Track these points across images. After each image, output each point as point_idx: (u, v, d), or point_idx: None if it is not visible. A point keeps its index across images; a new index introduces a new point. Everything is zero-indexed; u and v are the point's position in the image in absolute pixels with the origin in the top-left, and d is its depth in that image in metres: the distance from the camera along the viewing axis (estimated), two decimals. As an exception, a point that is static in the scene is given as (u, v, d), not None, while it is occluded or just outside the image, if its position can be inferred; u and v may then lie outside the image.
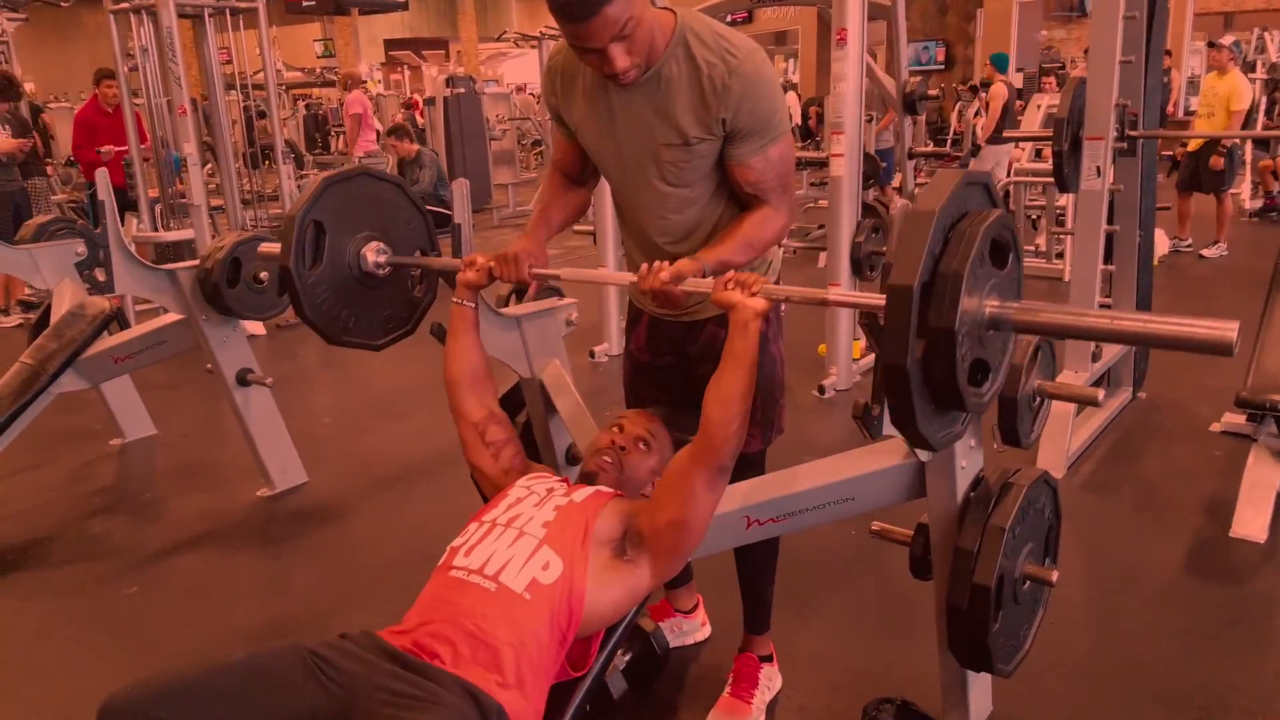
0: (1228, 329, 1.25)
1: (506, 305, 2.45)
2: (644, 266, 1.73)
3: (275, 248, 2.12)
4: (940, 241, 1.34)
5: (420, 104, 15.60)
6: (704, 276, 1.73)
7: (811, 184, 8.53)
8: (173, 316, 3.32)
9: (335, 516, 3.31)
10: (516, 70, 26.71)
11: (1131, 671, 2.32)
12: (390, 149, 7.52)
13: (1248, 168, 8.46)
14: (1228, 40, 7.51)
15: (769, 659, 2.26)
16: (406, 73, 24.27)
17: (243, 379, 3.31)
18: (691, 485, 1.66)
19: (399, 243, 2.20)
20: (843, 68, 3.81)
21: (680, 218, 1.88)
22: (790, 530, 1.96)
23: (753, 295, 1.61)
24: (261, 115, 7.44)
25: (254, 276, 3.16)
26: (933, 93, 7.34)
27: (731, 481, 1.79)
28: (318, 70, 19.37)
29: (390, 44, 25.03)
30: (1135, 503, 3.25)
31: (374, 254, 2.13)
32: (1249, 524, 2.94)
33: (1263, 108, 8.61)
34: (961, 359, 1.35)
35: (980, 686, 2.07)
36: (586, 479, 1.88)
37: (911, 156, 4.32)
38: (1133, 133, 3.36)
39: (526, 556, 1.60)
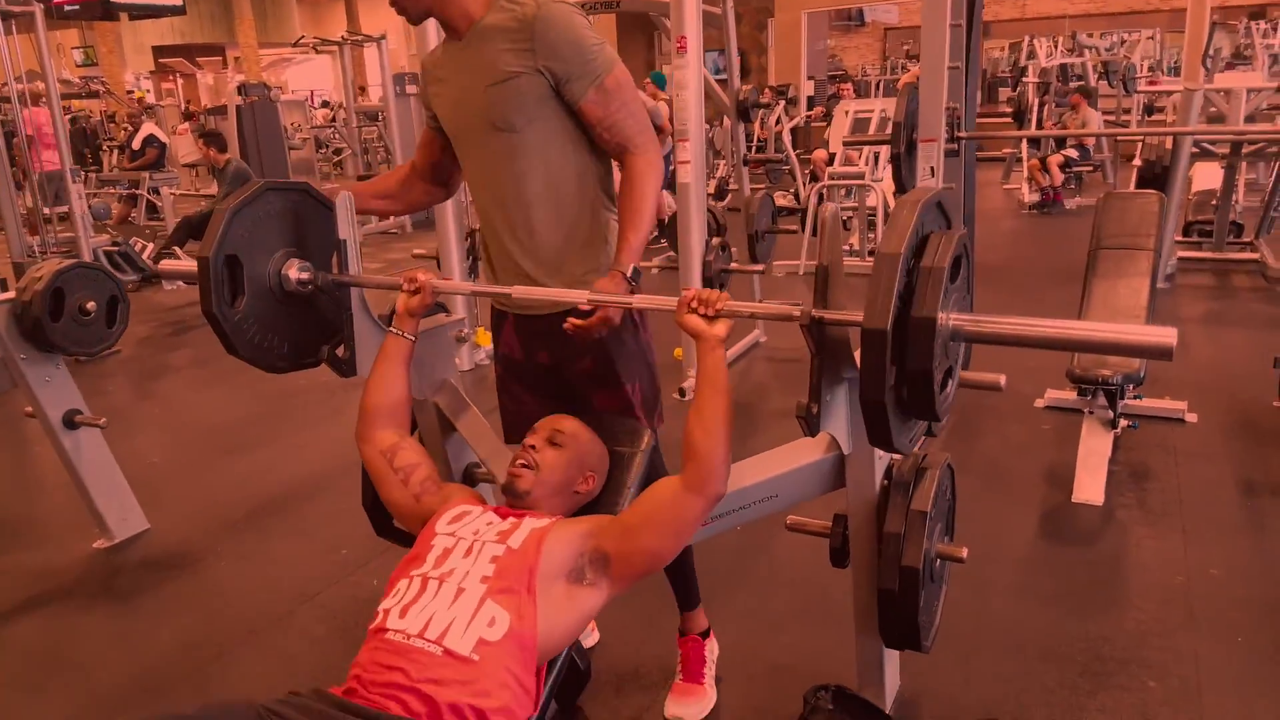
0: (1167, 335, 1.36)
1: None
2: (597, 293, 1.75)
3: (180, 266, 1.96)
4: (906, 280, 1.40)
5: (199, 115, 14.71)
6: (629, 281, 1.81)
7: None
8: (-22, 357, 2.97)
9: (190, 563, 3.06)
10: (302, 76, 25.65)
11: (1014, 635, 2.48)
12: (205, 155, 7.02)
13: (1024, 165, 9.25)
14: None
15: (707, 633, 2.30)
16: (179, 81, 22.82)
17: (71, 421, 3.00)
18: (685, 516, 1.64)
19: (313, 249, 2.06)
20: (684, 75, 3.87)
21: (509, 171, 1.91)
22: (717, 532, 1.97)
23: (715, 316, 1.63)
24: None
25: (79, 308, 2.87)
26: (765, 99, 7.56)
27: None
28: (76, 80, 17.84)
29: (160, 50, 23.40)
30: (984, 477, 3.48)
31: (296, 272, 1.99)
32: (1088, 489, 3.21)
33: (1034, 109, 9.45)
34: (937, 382, 1.41)
35: (892, 664, 2.17)
36: (507, 492, 1.81)
37: (746, 163, 4.47)
38: (960, 134, 3.60)
39: (470, 615, 1.52)
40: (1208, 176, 6.85)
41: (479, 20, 1.88)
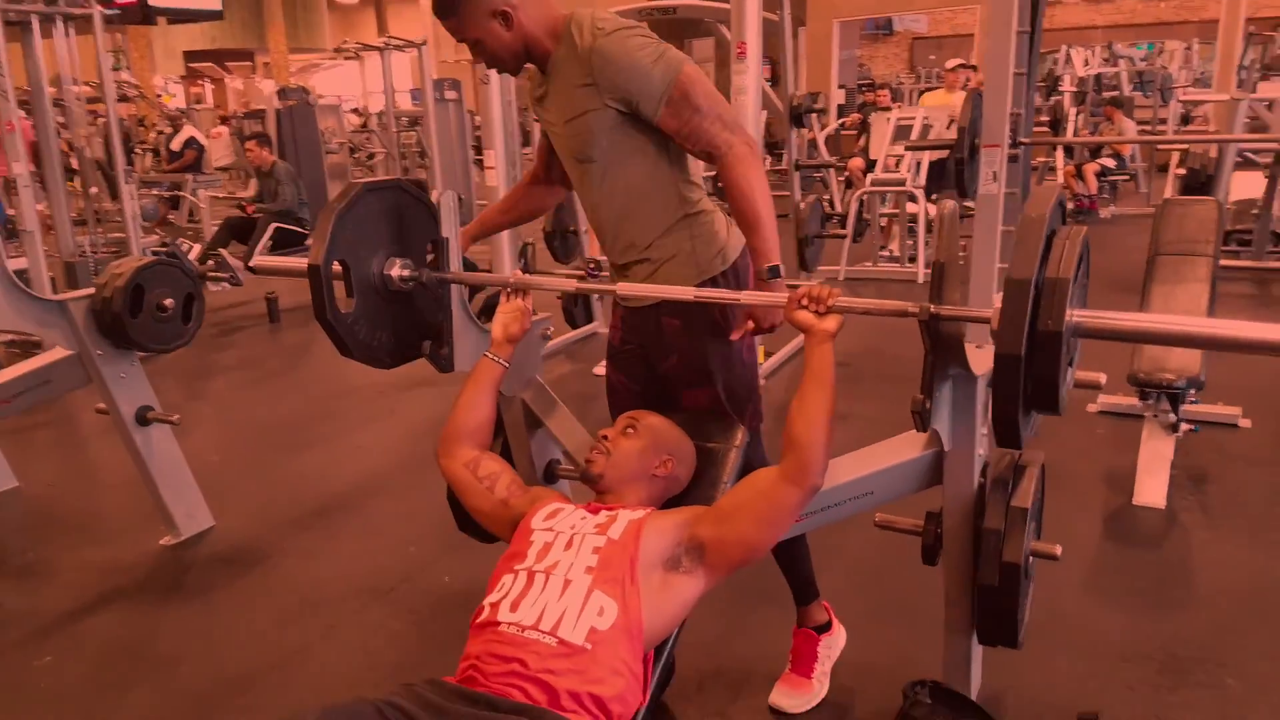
0: None
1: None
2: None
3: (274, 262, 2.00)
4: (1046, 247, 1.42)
5: (233, 119, 14.84)
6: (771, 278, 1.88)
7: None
8: (57, 353, 3.01)
9: (258, 560, 3.09)
10: (329, 82, 25.81)
11: (1089, 634, 2.48)
12: (247, 155, 7.10)
13: (1058, 172, 9.22)
14: (952, 64, 8.18)
15: (827, 627, 2.31)
16: (208, 86, 23.01)
17: (143, 417, 3.04)
18: (781, 507, 1.67)
19: (412, 244, 2.09)
20: (743, 80, 3.90)
21: (599, 192, 2.00)
22: (813, 527, 1.99)
23: (826, 312, 1.67)
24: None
25: (157, 304, 2.91)
26: (819, 107, 7.54)
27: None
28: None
29: (191, 55, 23.61)
30: (1047, 483, 3.47)
31: (399, 270, 2.03)
32: (1150, 493, 3.21)
33: (1072, 118, 9.43)
34: (1064, 361, 1.42)
35: (977, 662, 2.17)
36: (585, 479, 1.87)
37: (798, 168, 4.49)
38: (1022, 140, 3.61)
39: (580, 605, 1.55)
40: (1247, 185, 6.82)
41: (553, 54, 1.93)
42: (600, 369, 4.91)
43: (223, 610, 2.80)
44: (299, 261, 2.13)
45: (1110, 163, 9.09)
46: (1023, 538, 1.82)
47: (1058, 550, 1.92)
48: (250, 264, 2.30)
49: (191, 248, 6.81)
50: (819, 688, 2.24)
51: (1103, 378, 1.85)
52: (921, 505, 1.97)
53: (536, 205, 2.35)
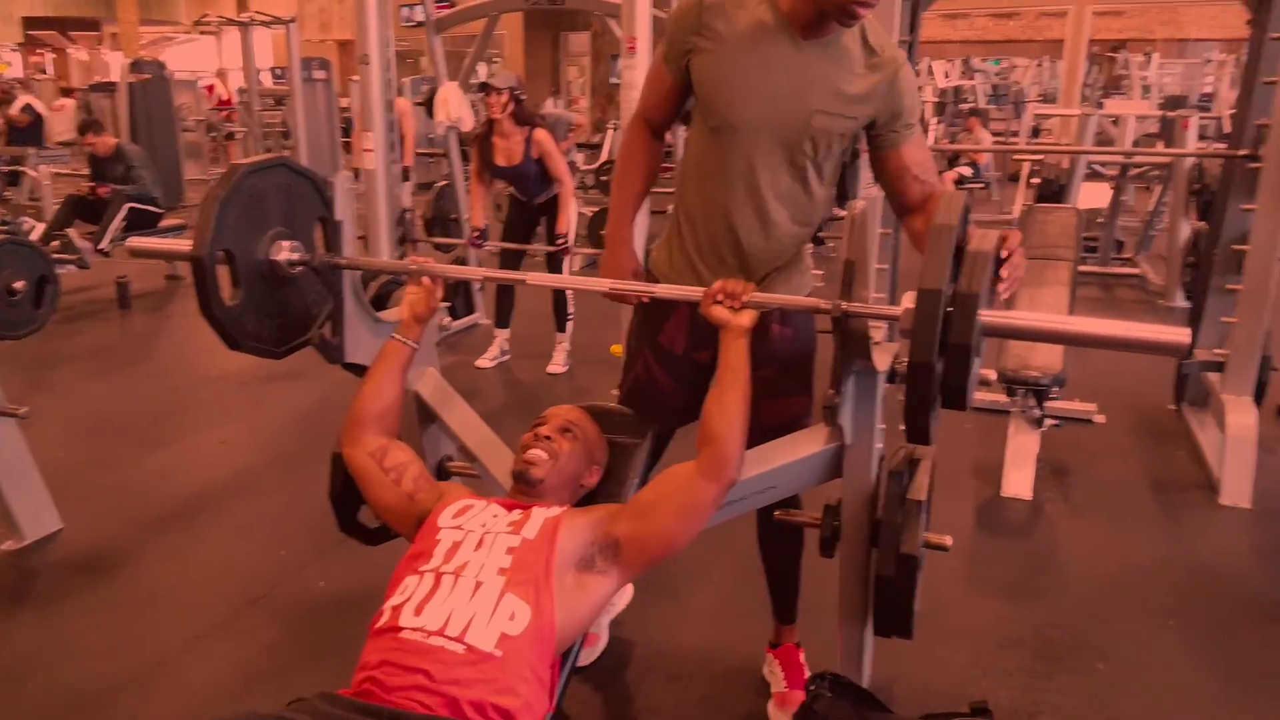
0: (1182, 334, 1.46)
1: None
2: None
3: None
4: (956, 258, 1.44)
5: (78, 91, 13.91)
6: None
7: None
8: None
9: (114, 565, 2.86)
10: (182, 57, 24.52)
11: (968, 622, 2.58)
12: (85, 147, 6.59)
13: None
14: None
15: (800, 645, 2.32)
16: (49, 56, 21.52)
17: (-12, 411, 2.79)
18: (700, 501, 1.65)
19: (299, 225, 1.96)
20: (633, 75, 3.87)
21: (786, 192, 1.83)
22: (714, 523, 1.97)
23: (740, 307, 1.65)
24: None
25: (6, 288, 2.68)
26: None
27: None
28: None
29: (30, 21, 21.97)
30: (921, 475, 3.58)
31: (287, 253, 1.90)
32: (1017, 484, 3.37)
33: (933, 128, 9.82)
34: (973, 364, 1.45)
35: (869, 653, 2.21)
36: (518, 479, 1.77)
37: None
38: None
39: (491, 609, 1.48)
40: (1094, 196, 7.25)
41: (836, 33, 1.72)
42: (486, 361, 4.84)
43: (74, 620, 2.59)
44: (182, 244, 1.98)
45: (967, 171, 9.51)
46: (919, 530, 1.86)
47: (949, 541, 1.96)
48: (129, 246, 2.11)
49: (34, 227, 6.33)
50: None
51: (992, 374, 1.93)
52: (816, 500, 1.99)
53: (659, 164, 2.07)
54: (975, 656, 2.43)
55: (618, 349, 4.42)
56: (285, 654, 2.44)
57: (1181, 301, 6.01)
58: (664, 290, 1.82)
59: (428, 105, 5.79)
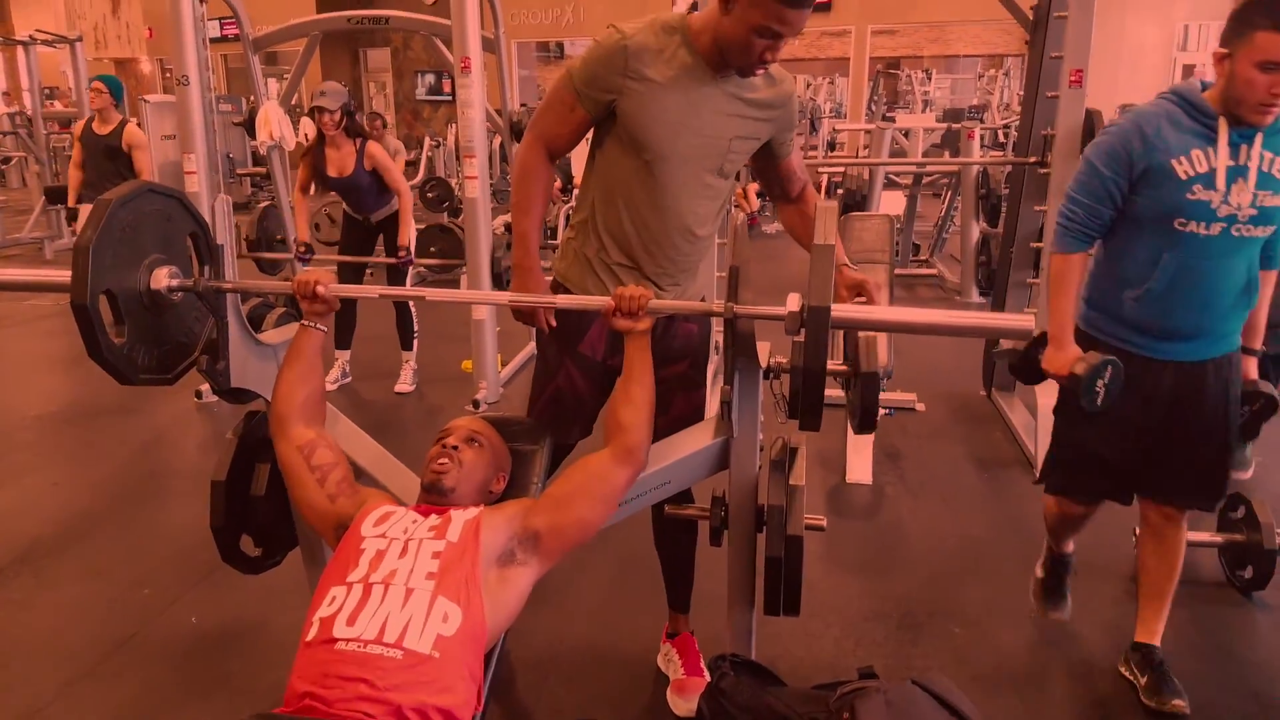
0: (1027, 320, 1.69)
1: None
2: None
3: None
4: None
5: None
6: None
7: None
8: None
9: (-45, 618, 2.67)
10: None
11: (834, 599, 2.79)
12: None
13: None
14: None
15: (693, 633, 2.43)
16: None
17: None
18: (614, 486, 1.78)
19: (171, 246, 1.91)
20: (468, 94, 3.94)
21: (706, 209, 2.04)
22: (619, 519, 2.08)
23: (637, 315, 1.79)
24: None
25: None
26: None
27: None
28: None
29: None
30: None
31: (167, 279, 1.85)
32: (859, 470, 3.65)
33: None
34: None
35: (754, 634, 2.37)
36: (429, 489, 1.81)
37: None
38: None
39: (425, 614, 1.53)
40: (891, 204, 7.83)
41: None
42: (328, 384, 4.71)
43: (-80, 682, 2.40)
44: (53, 274, 1.89)
45: (768, 184, 10.02)
46: (801, 512, 2.03)
47: (824, 521, 2.15)
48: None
49: None
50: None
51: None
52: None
53: (552, 187, 2.24)
54: (845, 630, 2.64)
55: (468, 365, 4.46)
56: (167, 692, 2.36)
57: (977, 297, 6.61)
58: (566, 301, 1.91)
59: (248, 125, 5.60)
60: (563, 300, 1.89)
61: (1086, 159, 2.22)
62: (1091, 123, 3.56)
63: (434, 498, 1.80)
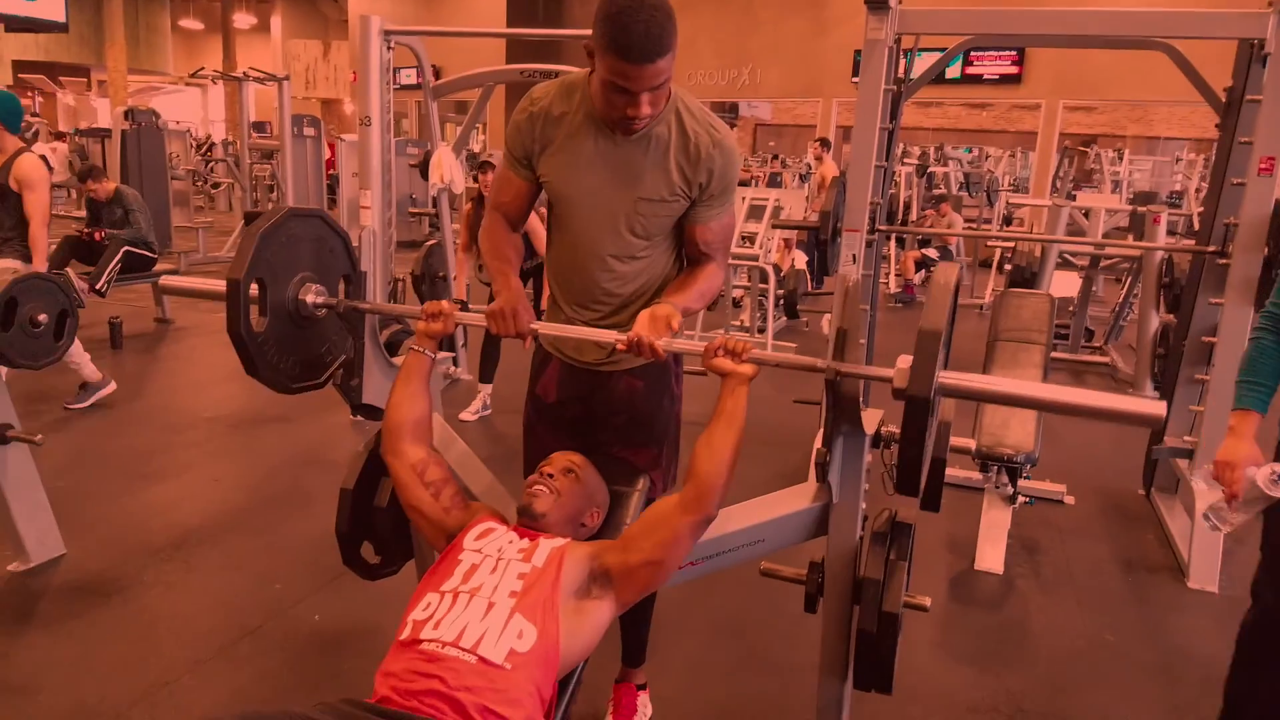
0: (1158, 407, 1.60)
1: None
2: (638, 335, 1.80)
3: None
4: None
5: (68, 135, 14.07)
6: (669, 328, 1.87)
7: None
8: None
9: (115, 589, 2.94)
10: (168, 107, 24.83)
11: (941, 687, 2.68)
12: (86, 192, 6.70)
13: (889, 261, 9.84)
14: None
15: (644, 686, 2.40)
16: (38, 99, 21.69)
17: (3, 436, 2.87)
18: (678, 532, 1.75)
19: (325, 273, 2.10)
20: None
21: (630, 268, 2.00)
22: (706, 572, 2.09)
23: (742, 362, 1.77)
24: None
25: (30, 319, 2.78)
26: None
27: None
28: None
29: (20, 65, 22.16)
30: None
31: (313, 296, 2.02)
32: (989, 559, 3.49)
33: (903, 211, 10.09)
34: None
35: (847, 709, 2.31)
36: (522, 513, 1.89)
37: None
38: (882, 227, 3.91)
39: (501, 627, 1.60)
40: (1064, 285, 7.51)
41: (650, 126, 1.86)
42: (468, 415, 4.96)
43: (80, 640, 2.66)
44: (213, 283, 2.10)
45: (934, 254, 9.79)
46: (901, 589, 1.98)
47: (928, 601, 2.09)
48: (160, 283, 2.23)
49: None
50: None
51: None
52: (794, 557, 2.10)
53: (521, 250, 2.22)
54: (947, 719, 2.53)
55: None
56: (283, 682, 2.51)
57: (1150, 391, 6.21)
58: (680, 343, 1.87)
59: (422, 168, 5.96)
60: (678, 343, 1.87)
61: None
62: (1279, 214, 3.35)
63: (526, 521, 1.88)
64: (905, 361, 1.64)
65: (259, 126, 14.79)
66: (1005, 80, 12.28)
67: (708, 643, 2.86)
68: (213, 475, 4.07)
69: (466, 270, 5.02)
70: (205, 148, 16.53)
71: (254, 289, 1.93)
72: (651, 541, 1.76)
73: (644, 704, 2.37)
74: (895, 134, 4.17)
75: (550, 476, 1.91)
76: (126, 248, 6.39)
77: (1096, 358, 7.23)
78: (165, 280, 2.18)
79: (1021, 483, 4.00)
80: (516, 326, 1.92)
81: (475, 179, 4.61)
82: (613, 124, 1.82)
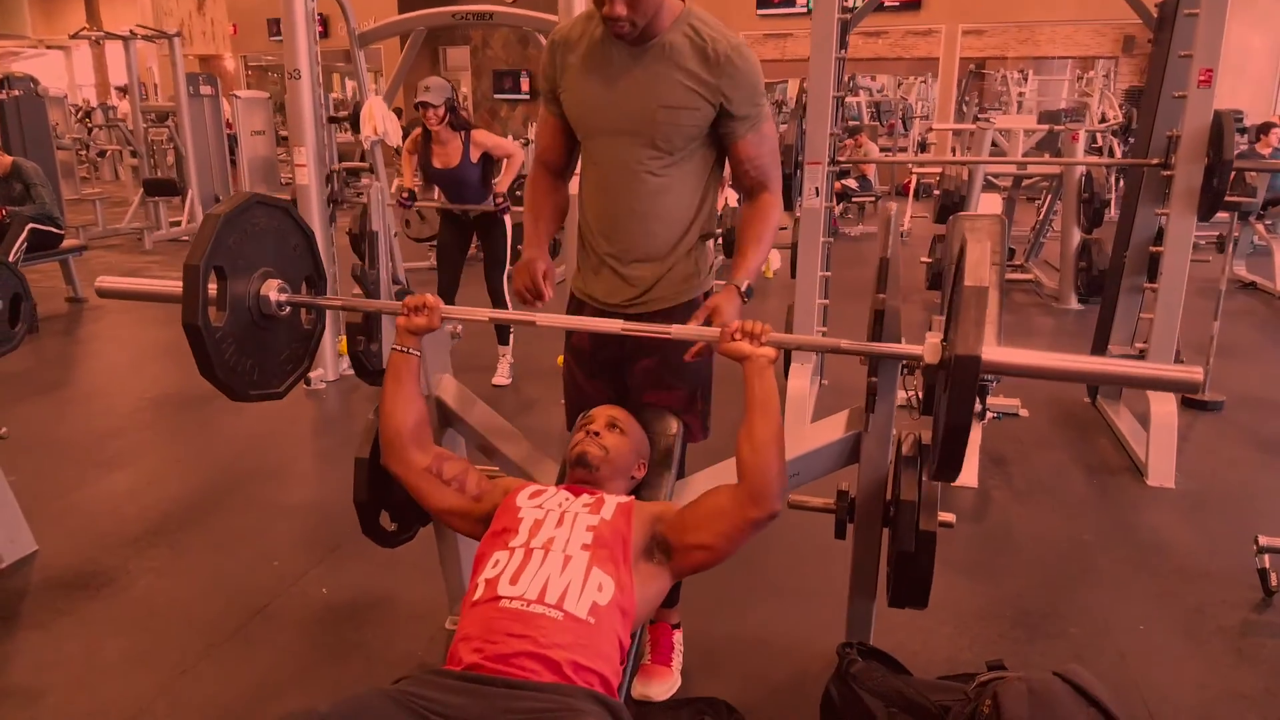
0: (1195, 373, 1.65)
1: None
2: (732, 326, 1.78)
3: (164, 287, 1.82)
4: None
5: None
6: (743, 297, 1.91)
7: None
8: None
9: (103, 582, 2.82)
10: (30, 73, 23.28)
11: (946, 598, 2.75)
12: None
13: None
14: None
15: (678, 625, 2.43)
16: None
17: (-39, 431, 2.71)
18: (741, 527, 1.72)
19: (289, 272, 1.99)
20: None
21: (656, 182, 1.96)
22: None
23: (762, 344, 1.75)
24: None
25: (-17, 306, 2.61)
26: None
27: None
28: None
29: None
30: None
31: (275, 293, 1.90)
32: (965, 474, 3.60)
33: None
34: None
35: (872, 626, 2.38)
36: (577, 463, 1.87)
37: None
38: (841, 159, 3.93)
39: (582, 580, 1.59)
40: (989, 206, 7.71)
41: (661, 35, 1.88)
42: (500, 379, 4.86)
43: (77, 637, 2.55)
44: (159, 283, 1.97)
45: (854, 184, 9.92)
46: (935, 508, 2.04)
47: (952, 518, 2.15)
48: (97, 286, 2.03)
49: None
50: (678, 677, 2.34)
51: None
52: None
53: (565, 206, 2.19)
54: (958, 628, 2.63)
55: (562, 360, 4.52)
56: (305, 657, 2.46)
57: (1075, 303, 6.49)
58: (680, 330, 1.87)
59: (352, 120, 5.76)
60: (676, 331, 1.87)
61: None
62: (1220, 124, 3.48)
63: (581, 473, 1.86)
64: (934, 348, 1.68)
65: (124, 91, 14.00)
66: (906, 7, 12.39)
67: (727, 577, 2.88)
68: (173, 456, 3.93)
69: (411, 165, 4.90)
70: (85, 114, 15.62)
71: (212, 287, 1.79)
72: (712, 531, 1.74)
73: (679, 641, 2.41)
74: (844, 64, 4.18)
75: (596, 435, 1.90)
76: (31, 225, 6.03)
77: (1020, 275, 7.48)
78: (103, 282, 2.02)
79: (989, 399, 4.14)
80: (534, 285, 1.97)
81: (417, 109, 4.47)
82: (608, 26, 1.84)
